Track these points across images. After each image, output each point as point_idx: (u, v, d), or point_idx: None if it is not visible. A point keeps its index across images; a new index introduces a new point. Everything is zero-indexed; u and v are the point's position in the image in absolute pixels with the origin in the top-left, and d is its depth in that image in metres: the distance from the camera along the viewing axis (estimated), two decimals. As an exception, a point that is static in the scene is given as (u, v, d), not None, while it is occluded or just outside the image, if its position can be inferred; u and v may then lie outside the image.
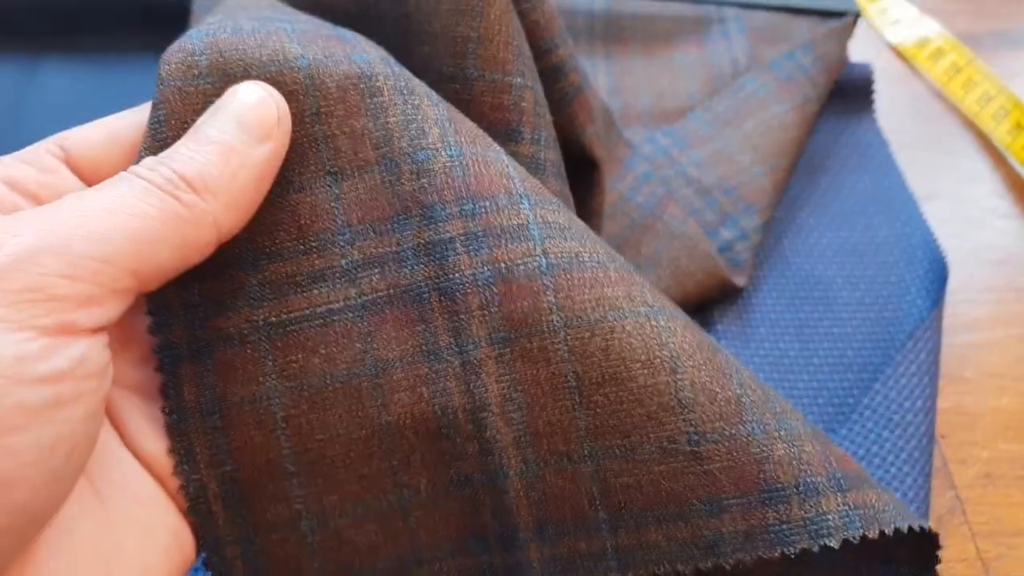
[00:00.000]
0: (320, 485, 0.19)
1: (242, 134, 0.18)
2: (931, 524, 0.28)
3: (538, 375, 0.18)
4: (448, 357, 0.19)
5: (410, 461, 0.19)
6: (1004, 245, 0.37)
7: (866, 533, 0.17)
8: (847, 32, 0.40)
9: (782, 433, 0.18)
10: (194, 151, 0.18)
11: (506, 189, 0.19)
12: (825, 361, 0.32)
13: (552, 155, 0.24)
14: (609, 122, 0.36)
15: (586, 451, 0.18)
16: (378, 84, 0.20)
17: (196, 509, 0.19)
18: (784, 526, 0.17)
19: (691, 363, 0.18)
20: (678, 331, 0.19)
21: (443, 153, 0.19)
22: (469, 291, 0.19)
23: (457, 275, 0.19)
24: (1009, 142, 0.39)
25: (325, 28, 0.21)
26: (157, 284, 0.18)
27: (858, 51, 0.42)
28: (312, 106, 0.20)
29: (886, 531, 0.17)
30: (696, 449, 0.18)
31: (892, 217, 0.36)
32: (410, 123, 0.20)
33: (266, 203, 0.20)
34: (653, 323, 0.19)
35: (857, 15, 0.40)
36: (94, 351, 0.16)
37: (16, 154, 0.19)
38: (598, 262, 0.19)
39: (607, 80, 0.41)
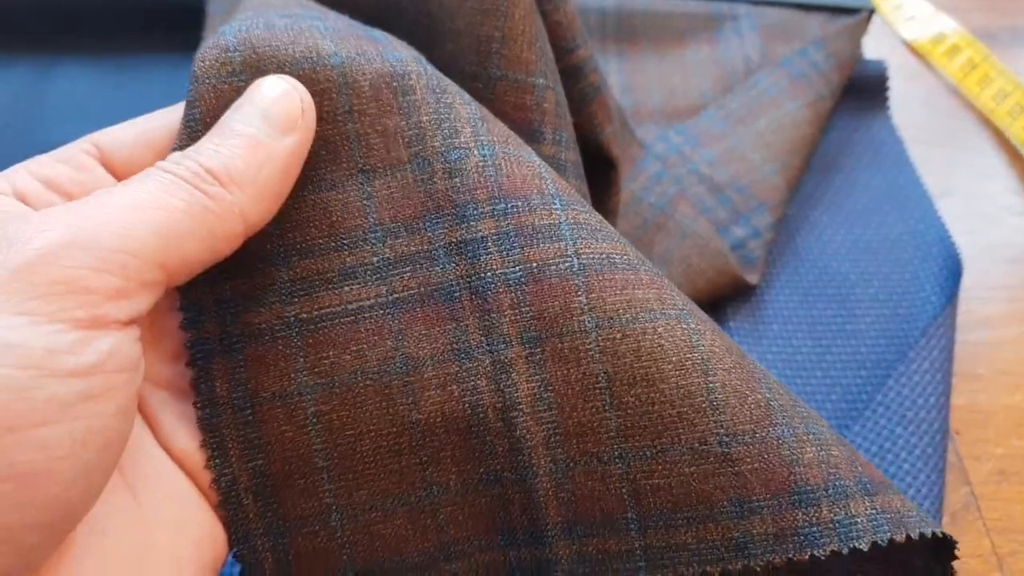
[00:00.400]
0: (350, 480, 0.19)
1: (267, 127, 0.18)
2: (945, 519, 0.28)
3: (569, 375, 0.18)
4: (479, 356, 0.19)
5: (440, 458, 0.19)
6: (1019, 242, 0.37)
7: (894, 536, 0.17)
8: (861, 29, 0.39)
9: (810, 437, 0.18)
10: (219, 144, 0.18)
11: (538, 189, 0.19)
12: (839, 358, 0.32)
13: (572, 156, 0.24)
14: (622, 121, 0.36)
15: (616, 452, 0.18)
16: (411, 83, 0.20)
17: (227, 502, 0.19)
18: (814, 528, 0.17)
19: (721, 366, 0.18)
20: (707, 334, 0.19)
21: (476, 152, 0.20)
22: (500, 290, 0.19)
23: (489, 274, 0.19)
24: (1024, 139, 0.39)
25: (356, 27, 0.21)
26: (186, 277, 0.18)
27: (873, 48, 0.42)
28: (345, 104, 0.20)
29: (912, 535, 0.17)
30: (727, 451, 0.18)
31: (906, 214, 0.36)
32: (443, 122, 0.20)
33: (298, 200, 0.20)
34: (684, 326, 0.19)
35: (871, 11, 0.40)
36: (125, 344, 0.16)
37: (52, 153, 0.19)
38: (629, 264, 0.19)
39: (619, 78, 0.41)
